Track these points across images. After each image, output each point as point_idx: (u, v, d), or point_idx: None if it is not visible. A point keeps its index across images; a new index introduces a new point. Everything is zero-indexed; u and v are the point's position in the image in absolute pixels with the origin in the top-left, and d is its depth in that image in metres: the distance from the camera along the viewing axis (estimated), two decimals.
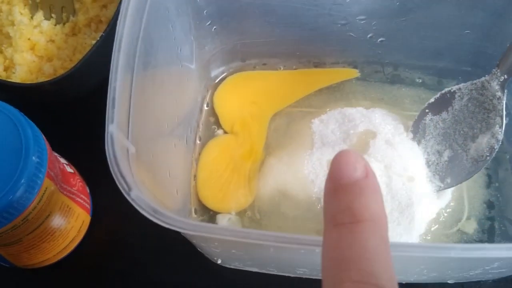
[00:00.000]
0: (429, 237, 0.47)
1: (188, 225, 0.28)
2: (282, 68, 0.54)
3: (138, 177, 0.31)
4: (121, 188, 0.29)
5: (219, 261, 0.43)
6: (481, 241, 0.46)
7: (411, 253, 0.30)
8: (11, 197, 0.36)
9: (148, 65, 0.37)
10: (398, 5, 0.45)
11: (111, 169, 0.29)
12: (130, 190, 0.29)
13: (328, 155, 0.49)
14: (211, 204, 0.49)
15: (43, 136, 0.40)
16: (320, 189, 0.48)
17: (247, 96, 0.54)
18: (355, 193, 0.23)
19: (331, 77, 0.54)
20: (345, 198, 0.23)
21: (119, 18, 0.33)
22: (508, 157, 0.49)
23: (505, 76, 0.42)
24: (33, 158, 0.37)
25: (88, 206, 0.48)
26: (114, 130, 0.30)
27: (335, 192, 0.24)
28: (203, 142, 0.51)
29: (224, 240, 0.29)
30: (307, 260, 0.37)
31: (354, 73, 0.54)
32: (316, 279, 0.44)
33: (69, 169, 0.46)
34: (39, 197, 0.38)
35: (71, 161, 0.48)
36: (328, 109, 0.52)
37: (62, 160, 0.46)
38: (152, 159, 0.37)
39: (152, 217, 0.28)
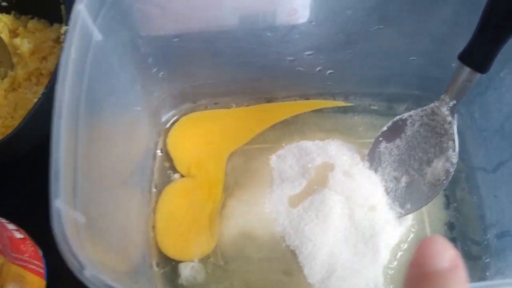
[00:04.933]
0: (394, 265, 0.47)
1: None
2: (234, 106, 0.54)
3: (89, 250, 0.29)
4: (73, 269, 0.27)
5: None
6: None
7: None
8: None
9: (93, 124, 0.35)
10: (343, 39, 0.45)
11: (60, 249, 0.27)
12: (83, 269, 0.27)
13: (288, 191, 0.48)
14: (172, 253, 0.47)
15: None
16: (283, 227, 0.47)
17: (202, 136, 0.53)
18: (439, 285, 0.22)
19: (285, 111, 0.53)
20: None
21: (57, 83, 0.31)
22: (464, 176, 0.50)
23: (454, 101, 0.42)
24: None
25: (42, 271, 0.46)
26: (61, 205, 0.28)
27: (419, 281, 0.22)
28: (159, 190, 0.49)
29: None
30: None
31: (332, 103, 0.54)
32: None
33: (19, 234, 0.44)
34: None
35: (20, 224, 0.45)
36: (284, 144, 0.52)
37: (10, 226, 0.43)
38: (106, 221, 0.35)
39: None
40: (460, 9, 0.42)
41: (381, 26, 0.44)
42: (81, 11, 0.33)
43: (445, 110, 0.44)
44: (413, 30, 0.45)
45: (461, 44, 0.40)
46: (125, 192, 0.42)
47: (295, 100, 0.54)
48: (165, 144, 0.52)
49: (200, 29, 0.43)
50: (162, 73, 0.47)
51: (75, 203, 0.30)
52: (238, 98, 0.53)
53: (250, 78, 0.50)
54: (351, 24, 0.44)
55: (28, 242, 0.45)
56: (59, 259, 0.45)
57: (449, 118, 0.44)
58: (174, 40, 0.44)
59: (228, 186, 0.50)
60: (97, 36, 0.35)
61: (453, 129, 0.44)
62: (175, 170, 0.51)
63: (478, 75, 0.40)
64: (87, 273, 0.27)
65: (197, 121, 0.53)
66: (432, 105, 0.45)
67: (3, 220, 0.42)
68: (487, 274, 0.45)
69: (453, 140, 0.44)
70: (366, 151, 0.48)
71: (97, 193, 0.35)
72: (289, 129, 0.53)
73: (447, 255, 0.22)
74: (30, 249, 0.44)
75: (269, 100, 0.54)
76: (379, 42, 0.46)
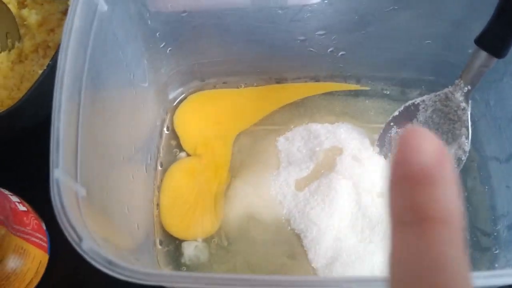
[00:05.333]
0: None
1: (147, 276, 0.26)
2: (243, 86, 0.53)
3: (90, 224, 0.28)
4: (71, 240, 0.26)
5: None
6: None
7: None
8: None
9: (97, 97, 0.34)
10: (357, 19, 0.44)
11: (58, 220, 0.27)
12: (81, 241, 0.26)
13: (295, 175, 0.48)
14: (176, 232, 0.46)
15: None
16: (288, 210, 0.46)
17: (210, 115, 0.52)
18: (424, 185, 0.18)
19: (295, 92, 0.52)
20: (412, 191, 0.18)
21: (60, 52, 0.30)
22: (476, 165, 0.49)
23: (469, 87, 0.41)
24: None
25: (45, 245, 0.45)
26: (60, 175, 0.27)
27: (399, 181, 0.18)
28: (165, 168, 0.49)
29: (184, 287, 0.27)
30: None
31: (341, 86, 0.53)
32: None
33: (22, 207, 0.44)
34: None
35: (24, 197, 0.45)
36: (292, 126, 0.51)
37: (14, 199, 0.43)
38: (107, 196, 0.35)
39: (107, 269, 0.26)
40: None
41: (396, 7, 0.43)
42: None
43: (459, 96, 0.43)
44: (429, 12, 0.43)
45: (478, 28, 0.38)
46: (129, 168, 0.41)
47: (306, 82, 0.52)
48: (172, 122, 0.51)
49: (209, 4, 0.42)
50: (170, 48, 0.46)
51: (76, 175, 0.29)
52: (247, 78, 0.52)
53: (259, 57, 0.49)
54: (366, 3, 0.42)
55: (31, 215, 0.44)
56: (63, 234, 0.46)
57: (463, 104, 0.43)
58: (182, 15, 0.43)
59: (234, 167, 0.49)
60: (103, 6, 0.35)
61: (467, 116, 0.43)
62: (181, 149, 0.50)
63: (495, 60, 0.38)
64: (85, 246, 0.26)
65: (205, 100, 0.52)
66: (446, 90, 0.43)
67: (7, 192, 0.42)
68: (496, 265, 0.44)
69: (467, 127, 0.43)
70: (377, 136, 0.47)
71: (99, 167, 0.34)
72: (298, 111, 0.52)
73: (430, 149, 0.18)
74: (33, 222, 0.44)
75: (278, 81, 0.53)
76: (393, 24, 0.45)
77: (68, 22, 0.31)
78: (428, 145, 0.18)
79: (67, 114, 0.29)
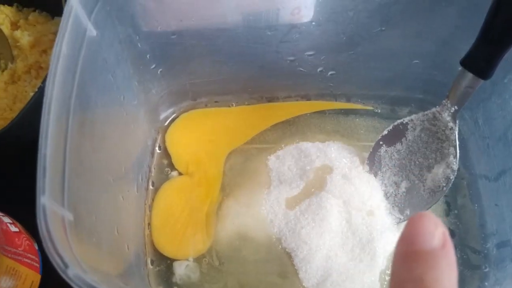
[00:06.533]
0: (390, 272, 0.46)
1: None
2: (234, 105, 0.53)
3: (77, 249, 0.29)
4: (56, 267, 0.27)
5: None
6: None
7: None
8: None
9: (85, 121, 0.35)
10: (345, 40, 0.44)
11: (44, 246, 0.27)
12: (67, 268, 0.27)
13: (285, 193, 0.48)
14: (167, 251, 0.47)
15: None
16: (279, 229, 0.47)
17: (201, 134, 0.52)
18: (429, 264, 0.21)
19: (286, 111, 0.52)
20: (418, 267, 0.21)
21: (47, 78, 0.31)
22: (465, 183, 0.49)
23: (456, 107, 0.42)
24: None
25: (37, 265, 0.45)
26: (47, 201, 0.28)
27: (407, 258, 0.22)
28: (156, 187, 0.49)
29: None
30: None
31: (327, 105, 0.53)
32: None
33: (14, 228, 0.44)
34: None
35: (16, 217, 0.45)
36: (283, 144, 0.51)
37: (5, 220, 0.43)
38: (95, 220, 0.35)
39: None
40: (464, 11, 0.41)
41: (383, 28, 0.43)
42: (74, 5, 0.32)
43: (446, 116, 0.43)
44: (416, 33, 0.44)
45: (466, 47, 0.39)
46: (119, 189, 0.42)
47: (297, 100, 0.53)
48: (163, 141, 0.51)
49: (200, 26, 0.43)
50: (160, 69, 0.46)
51: (63, 201, 0.30)
52: (238, 97, 0.53)
53: (250, 77, 0.50)
54: (353, 25, 0.43)
55: (23, 235, 0.45)
56: None
57: (450, 124, 0.43)
58: (172, 37, 0.43)
59: (226, 186, 0.50)
60: (92, 31, 0.35)
61: (455, 135, 0.43)
62: (173, 168, 0.50)
63: (481, 81, 0.39)
64: (71, 273, 0.26)
65: (197, 119, 0.53)
66: (433, 109, 0.44)
67: None
68: (486, 284, 0.44)
69: (454, 147, 0.43)
70: (367, 154, 0.48)
71: (87, 191, 0.34)
72: (289, 129, 0.52)
73: (437, 233, 0.21)
74: (25, 243, 0.44)
75: (270, 100, 0.53)
76: (381, 44, 0.45)
77: (56, 48, 0.32)
78: (436, 229, 0.21)
79: (54, 140, 0.30)
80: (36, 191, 0.28)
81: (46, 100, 0.30)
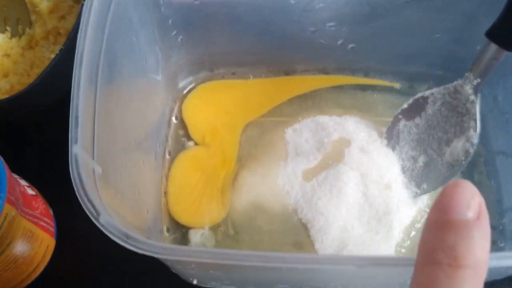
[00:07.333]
0: (407, 244, 0.46)
1: (164, 250, 0.26)
2: (251, 77, 0.53)
3: (106, 200, 0.28)
4: (89, 214, 0.27)
5: (194, 282, 0.41)
6: None
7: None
8: None
9: (112, 79, 0.34)
10: (368, 11, 0.44)
11: (77, 193, 0.27)
12: (98, 215, 0.27)
13: (302, 165, 0.48)
14: (183, 219, 0.47)
15: (1, 157, 0.37)
16: (295, 200, 0.47)
17: (218, 106, 0.52)
18: (462, 234, 0.21)
19: (303, 85, 0.52)
20: (450, 236, 0.21)
21: (79, 32, 0.31)
22: (482, 160, 0.49)
23: (478, 79, 0.41)
24: None
25: (52, 229, 0.45)
26: (79, 151, 0.28)
27: (440, 226, 0.21)
28: (172, 157, 0.49)
29: (200, 262, 0.27)
30: (287, 277, 0.36)
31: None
32: None
33: (31, 191, 0.44)
34: None
35: (32, 182, 0.45)
36: (300, 118, 0.51)
37: (23, 182, 0.43)
38: (120, 178, 0.35)
39: (124, 243, 0.26)
40: None
41: (408, 0, 0.43)
42: None
43: (468, 89, 0.43)
44: (441, 6, 0.44)
45: (489, 23, 0.38)
46: (140, 154, 0.42)
47: (314, 74, 0.53)
48: (180, 111, 0.51)
49: None
50: (181, 37, 0.46)
51: (93, 153, 0.30)
52: (256, 70, 0.52)
53: (269, 48, 0.49)
54: None
55: (39, 199, 0.44)
56: (69, 220, 0.46)
57: (472, 97, 0.43)
58: (195, 2, 0.43)
59: (242, 157, 0.50)
60: None
61: (476, 109, 0.43)
62: (189, 138, 0.50)
63: (505, 53, 0.39)
64: (103, 219, 0.26)
65: (214, 90, 0.52)
66: (455, 83, 0.44)
67: (16, 176, 0.42)
68: None
69: (475, 120, 0.43)
70: (384, 129, 0.48)
71: (113, 149, 0.34)
72: (306, 103, 0.52)
73: (472, 204, 0.21)
74: (42, 206, 0.44)
75: (287, 73, 0.53)
76: (404, 17, 0.45)
77: (87, 3, 0.32)
78: (472, 199, 0.21)
79: (85, 92, 0.29)
80: (69, 140, 0.28)
81: (78, 52, 0.30)
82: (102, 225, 0.26)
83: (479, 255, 0.21)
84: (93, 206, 0.27)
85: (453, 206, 0.21)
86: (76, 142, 0.28)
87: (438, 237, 0.21)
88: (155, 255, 0.26)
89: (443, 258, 0.21)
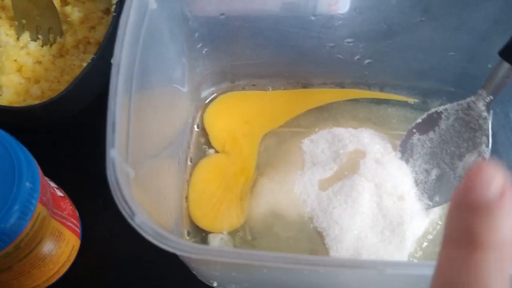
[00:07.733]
0: (419, 254, 0.47)
1: (196, 249, 0.28)
2: (270, 89, 0.55)
3: (138, 202, 0.30)
4: (124, 214, 0.28)
5: (214, 284, 0.43)
6: None
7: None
8: (4, 224, 0.35)
9: (144, 88, 0.36)
10: (385, 28, 0.46)
11: (113, 194, 0.29)
12: (134, 215, 0.28)
13: (318, 175, 0.50)
14: (203, 224, 0.48)
15: (35, 161, 0.39)
16: (311, 209, 0.48)
17: (238, 115, 0.54)
18: (482, 214, 0.20)
19: (321, 97, 0.54)
20: (470, 216, 0.20)
21: (116, 42, 0.33)
22: None
23: (491, 97, 0.43)
24: (26, 183, 0.36)
25: (78, 230, 0.47)
26: (116, 155, 0.29)
27: (460, 207, 0.20)
28: (194, 163, 0.51)
29: (229, 262, 0.29)
30: (308, 280, 0.38)
31: (348, 93, 0.55)
32: None
33: (59, 193, 0.46)
34: (32, 223, 0.38)
35: (59, 184, 0.47)
36: (317, 129, 0.53)
37: (52, 184, 0.45)
38: (149, 182, 0.37)
39: (158, 242, 0.28)
40: (504, 6, 0.43)
41: (423, 18, 0.45)
42: None
43: (481, 105, 0.45)
44: (455, 25, 0.46)
45: (502, 42, 0.40)
46: (165, 160, 0.44)
47: (331, 87, 0.55)
48: (201, 120, 0.53)
49: (246, 7, 0.45)
50: (206, 49, 0.48)
51: (127, 157, 0.32)
52: (275, 82, 0.54)
53: (288, 62, 0.52)
54: (395, 13, 0.45)
55: (67, 200, 0.47)
56: (92, 222, 0.48)
57: (484, 114, 0.45)
58: (220, 17, 0.45)
59: (260, 165, 0.51)
60: (153, 4, 0.37)
61: (488, 125, 0.45)
62: (210, 146, 0.52)
63: None
64: (138, 220, 0.28)
65: (235, 100, 0.54)
66: (468, 99, 0.45)
67: (46, 178, 0.44)
68: None
69: (487, 136, 0.45)
70: (398, 142, 0.49)
71: (144, 154, 0.36)
72: (322, 115, 0.54)
73: (495, 183, 0.20)
74: (69, 208, 0.46)
75: (305, 86, 0.55)
76: (419, 35, 0.47)
77: (124, 15, 0.34)
78: (496, 179, 0.20)
79: (122, 99, 0.31)
80: (106, 144, 0.30)
81: (115, 60, 0.32)
82: (138, 225, 0.28)
83: (502, 235, 0.20)
84: (129, 207, 0.28)
85: (474, 186, 0.20)
86: (113, 147, 0.30)
87: (458, 218, 0.21)
88: (189, 255, 0.28)
89: (462, 239, 0.20)
